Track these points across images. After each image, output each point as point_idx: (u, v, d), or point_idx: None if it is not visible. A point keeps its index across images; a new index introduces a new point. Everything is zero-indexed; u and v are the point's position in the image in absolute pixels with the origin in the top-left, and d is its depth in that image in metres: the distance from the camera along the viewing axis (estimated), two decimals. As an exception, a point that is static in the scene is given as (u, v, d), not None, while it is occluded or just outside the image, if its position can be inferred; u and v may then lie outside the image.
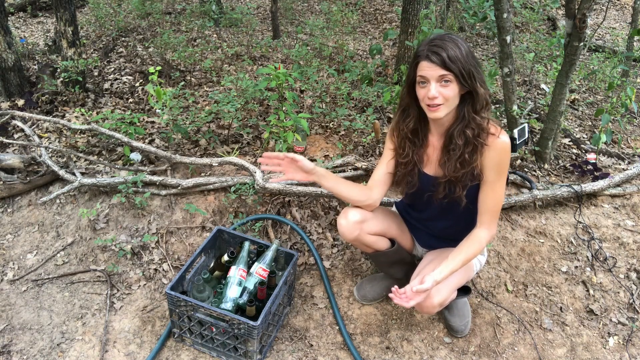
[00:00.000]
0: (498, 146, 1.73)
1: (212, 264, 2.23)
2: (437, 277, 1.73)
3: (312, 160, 2.95)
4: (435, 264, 1.91)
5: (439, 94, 1.65)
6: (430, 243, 2.12)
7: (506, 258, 2.59)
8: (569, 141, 3.38)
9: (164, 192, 2.68)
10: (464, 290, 2.08)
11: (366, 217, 1.98)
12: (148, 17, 5.20)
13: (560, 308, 2.38)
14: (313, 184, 2.70)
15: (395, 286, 1.75)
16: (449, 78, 1.63)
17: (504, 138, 1.74)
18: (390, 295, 1.75)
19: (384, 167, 1.97)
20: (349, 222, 1.95)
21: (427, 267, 1.96)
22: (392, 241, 2.11)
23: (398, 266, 2.23)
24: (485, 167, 1.77)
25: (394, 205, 2.29)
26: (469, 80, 1.64)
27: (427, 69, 1.64)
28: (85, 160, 2.91)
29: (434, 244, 2.11)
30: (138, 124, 3.06)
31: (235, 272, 2.06)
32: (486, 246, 2.08)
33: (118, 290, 2.35)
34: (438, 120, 1.75)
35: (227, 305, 1.97)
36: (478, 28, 5.40)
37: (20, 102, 3.40)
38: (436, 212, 1.98)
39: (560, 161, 3.14)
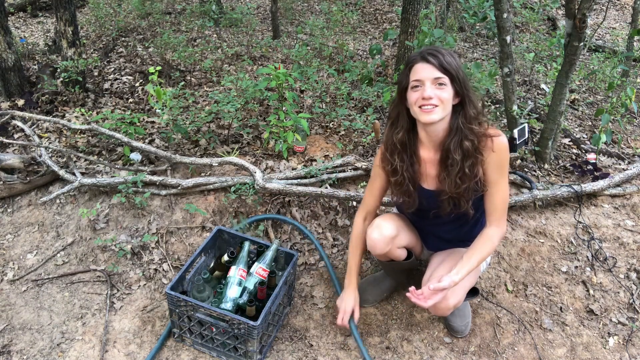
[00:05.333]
0: (497, 147, 1.73)
1: (212, 264, 2.23)
2: (455, 278, 1.73)
3: (312, 160, 2.95)
4: (448, 265, 1.91)
5: (435, 95, 1.63)
6: (439, 245, 2.12)
7: (506, 258, 2.59)
8: (569, 141, 3.37)
9: (164, 192, 2.68)
10: (472, 292, 2.08)
11: (398, 231, 1.96)
12: (148, 17, 5.20)
13: (560, 308, 2.38)
14: (313, 185, 2.70)
15: (412, 287, 1.75)
16: (444, 81, 1.62)
17: (502, 138, 1.73)
18: (408, 295, 1.75)
19: (372, 196, 2.02)
20: (385, 238, 1.92)
21: (440, 267, 1.95)
22: (408, 251, 2.12)
23: (405, 272, 2.25)
24: (487, 170, 1.76)
25: (394, 208, 2.29)
26: (462, 86, 1.64)
27: (422, 71, 1.63)
28: (85, 160, 2.91)
29: (442, 246, 2.10)
30: (138, 124, 3.06)
31: (235, 272, 2.06)
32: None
33: (118, 290, 2.35)
34: (432, 126, 1.70)
35: (227, 305, 1.97)
36: (478, 28, 5.40)
37: (20, 102, 3.40)
38: (444, 220, 1.97)
39: (560, 161, 3.14)
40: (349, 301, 2.04)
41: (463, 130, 1.69)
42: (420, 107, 1.66)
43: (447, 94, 1.64)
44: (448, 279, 1.72)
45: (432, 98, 1.63)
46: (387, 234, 1.92)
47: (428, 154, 1.82)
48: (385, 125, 1.88)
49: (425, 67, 1.63)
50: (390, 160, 1.84)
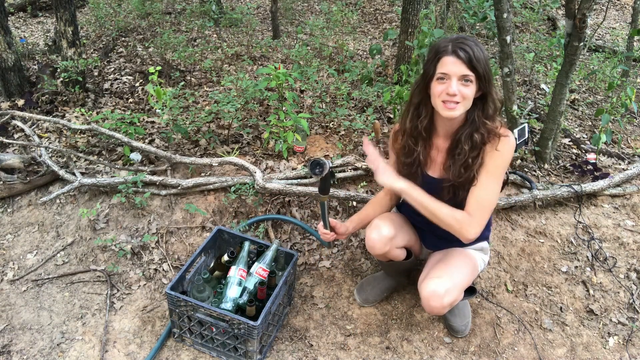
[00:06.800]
0: (501, 147, 1.73)
1: (212, 264, 2.23)
2: (395, 183, 1.74)
3: (312, 160, 2.95)
4: (443, 265, 1.91)
5: (459, 92, 1.63)
6: (436, 244, 2.12)
7: (506, 258, 2.59)
8: (569, 141, 3.37)
9: (164, 192, 2.68)
10: (470, 291, 2.08)
11: (397, 231, 1.97)
12: (148, 17, 5.19)
13: (560, 308, 2.38)
14: (313, 185, 2.70)
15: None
16: (470, 78, 1.62)
17: (509, 139, 1.74)
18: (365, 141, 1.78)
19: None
20: (383, 238, 1.92)
21: (437, 266, 1.95)
22: (408, 251, 2.12)
23: (405, 272, 2.25)
24: (484, 163, 1.75)
25: (394, 207, 2.28)
26: (487, 83, 1.64)
27: (451, 65, 1.62)
28: (85, 160, 2.91)
29: (440, 245, 2.10)
30: (138, 124, 3.06)
31: (235, 272, 2.06)
32: (485, 245, 2.09)
33: (118, 290, 2.35)
34: (450, 120, 1.72)
35: (227, 305, 1.97)
36: (478, 28, 5.40)
37: (20, 102, 3.39)
38: None
39: (560, 161, 3.14)
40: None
41: (477, 124, 1.70)
42: (443, 101, 1.66)
43: (471, 91, 1.64)
44: (390, 175, 1.75)
45: (456, 95, 1.63)
46: (386, 234, 1.93)
47: (438, 142, 1.84)
48: (405, 110, 1.87)
49: (455, 61, 1.61)
50: (409, 144, 1.85)
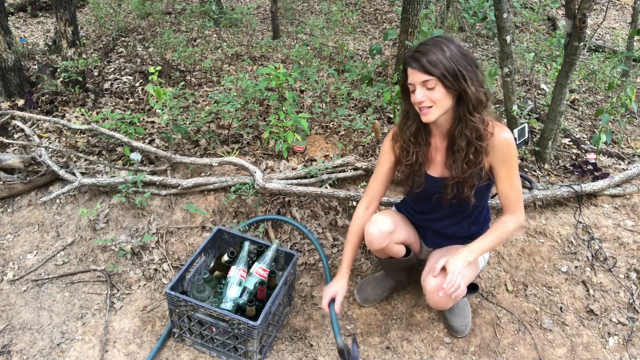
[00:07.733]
0: (496, 144, 1.75)
1: (212, 264, 2.23)
2: (469, 258, 1.77)
3: (312, 160, 2.95)
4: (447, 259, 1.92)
5: (426, 97, 1.67)
6: (437, 242, 2.12)
7: (506, 258, 2.59)
8: (569, 141, 3.37)
9: (164, 192, 2.68)
10: (472, 288, 2.08)
11: (395, 226, 1.98)
12: (148, 17, 5.20)
13: (560, 308, 2.38)
14: (313, 185, 2.71)
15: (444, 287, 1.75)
16: (431, 84, 1.65)
17: (505, 135, 1.76)
18: (441, 294, 1.76)
19: (378, 181, 2.00)
20: (382, 232, 1.93)
21: (439, 263, 1.95)
22: (407, 248, 2.12)
23: (405, 271, 2.25)
24: (494, 165, 1.80)
25: (393, 207, 2.29)
26: (455, 82, 1.64)
27: (411, 75, 1.68)
28: (85, 160, 2.91)
29: (441, 242, 2.11)
30: (138, 124, 3.06)
31: (235, 272, 2.06)
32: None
33: (118, 290, 2.35)
34: (432, 122, 1.77)
35: (227, 305, 1.98)
36: (478, 28, 5.40)
37: (20, 102, 3.39)
38: (444, 213, 1.99)
39: (560, 161, 3.14)
40: (332, 286, 2.01)
41: (465, 120, 1.73)
42: (418, 108, 1.72)
43: (438, 94, 1.67)
44: (462, 260, 1.75)
45: (424, 101, 1.68)
46: (385, 228, 1.93)
47: (436, 141, 1.88)
48: (399, 117, 1.95)
49: (411, 72, 1.67)
50: (404, 146, 1.89)
